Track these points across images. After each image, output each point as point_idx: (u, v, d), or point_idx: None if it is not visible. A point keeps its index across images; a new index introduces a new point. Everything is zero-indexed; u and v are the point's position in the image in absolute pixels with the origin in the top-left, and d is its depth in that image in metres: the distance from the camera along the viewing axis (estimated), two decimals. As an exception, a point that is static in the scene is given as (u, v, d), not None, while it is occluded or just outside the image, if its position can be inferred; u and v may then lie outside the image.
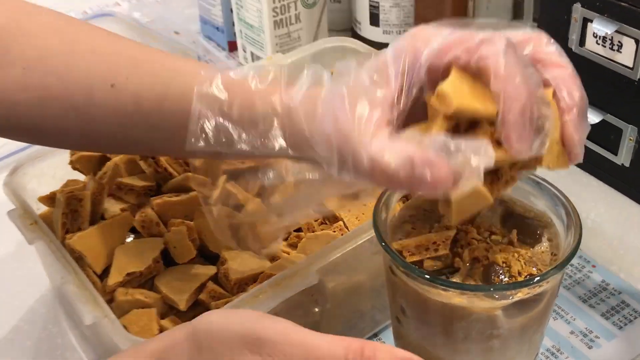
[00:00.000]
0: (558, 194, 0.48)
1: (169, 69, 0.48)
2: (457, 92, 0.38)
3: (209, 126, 0.46)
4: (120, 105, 0.48)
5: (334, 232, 0.61)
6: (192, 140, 0.46)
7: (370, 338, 0.64)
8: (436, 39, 0.40)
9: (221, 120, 0.45)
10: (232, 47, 1.05)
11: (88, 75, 0.48)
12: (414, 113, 0.41)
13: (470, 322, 0.44)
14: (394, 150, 0.38)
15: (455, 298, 0.43)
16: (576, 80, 0.41)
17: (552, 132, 0.39)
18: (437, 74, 0.40)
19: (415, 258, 0.46)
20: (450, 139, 0.37)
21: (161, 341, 0.36)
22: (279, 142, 0.45)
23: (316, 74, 0.44)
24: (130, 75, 0.48)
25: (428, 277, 0.43)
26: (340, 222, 0.62)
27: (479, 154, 0.37)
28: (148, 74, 0.48)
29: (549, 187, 0.48)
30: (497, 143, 0.38)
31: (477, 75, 0.39)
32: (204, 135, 0.46)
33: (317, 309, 0.58)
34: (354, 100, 0.40)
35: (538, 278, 0.42)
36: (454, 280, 0.45)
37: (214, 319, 0.35)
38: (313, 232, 0.62)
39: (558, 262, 0.44)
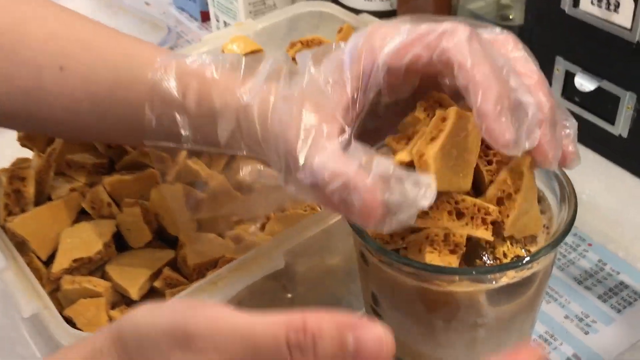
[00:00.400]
0: None
1: (123, 54, 0.45)
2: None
3: (164, 119, 0.43)
4: (69, 90, 0.45)
5: (305, 211, 0.55)
6: (148, 132, 0.44)
7: (347, 326, 0.58)
8: (394, 38, 0.37)
9: (176, 113, 0.43)
10: (205, 17, 0.99)
11: (36, 56, 0.45)
12: (374, 116, 0.39)
13: (451, 310, 0.39)
14: (333, 169, 0.35)
15: (433, 283, 0.38)
16: (544, 88, 0.37)
17: (519, 204, 0.37)
18: (397, 76, 0.37)
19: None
20: (396, 167, 0.35)
21: (84, 348, 0.31)
22: (236, 141, 0.42)
23: (274, 67, 0.42)
24: (80, 59, 0.45)
25: (404, 260, 0.38)
26: (312, 200, 0.57)
27: (419, 188, 0.34)
28: (100, 59, 0.45)
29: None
30: (458, 214, 0.37)
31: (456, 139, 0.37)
32: (159, 129, 0.43)
33: (286, 296, 0.52)
34: (306, 108, 0.37)
35: (527, 259, 0.37)
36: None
37: (139, 318, 0.30)
38: (282, 211, 0.56)
39: (551, 239, 0.39)
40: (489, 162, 0.39)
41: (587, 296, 0.60)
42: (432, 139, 0.36)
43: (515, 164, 0.38)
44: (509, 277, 0.38)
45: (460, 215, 0.38)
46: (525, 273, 0.38)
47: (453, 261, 0.37)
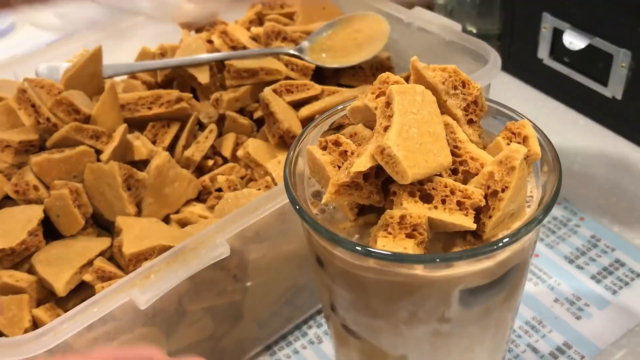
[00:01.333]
0: (516, 116, 0.37)
1: None
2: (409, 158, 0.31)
3: None
4: None
5: (259, 190, 0.49)
6: None
7: (313, 316, 0.53)
8: None
9: None
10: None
11: None
12: None
13: (414, 301, 0.33)
14: None
15: (396, 272, 0.32)
16: None
17: (505, 205, 0.31)
18: None
19: (342, 225, 0.34)
20: None
21: None
22: None
23: None
24: None
25: (359, 249, 0.31)
26: (268, 178, 0.50)
27: None
28: None
29: (512, 114, 0.37)
30: (424, 197, 0.32)
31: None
32: None
33: (237, 287, 0.46)
34: None
35: (506, 239, 0.31)
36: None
37: None
38: (235, 189, 0.50)
39: (532, 215, 0.33)
40: (454, 172, 0.33)
41: (578, 276, 0.54)
42: (386, 128, 0.31)
43: (506, 156, 0.32)
44: (482, 264, 0.32)
45: (427, 198, 0.32)
46: (502, 255, 0.32)
47: (409, 246, 0.30)
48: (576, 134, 0.66)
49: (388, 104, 0.32)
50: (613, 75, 0.62)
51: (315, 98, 0.56)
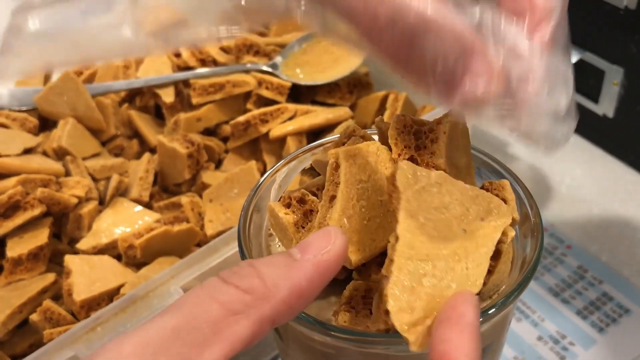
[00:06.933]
0: (501, 170, 0.33)
1: None
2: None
3: None
4: None
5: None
6: None
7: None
8: None
9: None
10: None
11: None
12: None
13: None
14: None
15: (358, 351, 0.29)
16: None
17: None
18: None
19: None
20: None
21: None
22: None
23: None
24: None
25: (317, 326, 0.28)
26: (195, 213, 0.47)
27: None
28: None
29: (497, 166, 0.33)
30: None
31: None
32: None
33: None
34: None
35: (481, 318, 0.27)
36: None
37: None
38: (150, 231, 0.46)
39: (510, 286, 0.30)
40: None
41: (564, 312, 0.51)
42: (332, 198, 0.28)
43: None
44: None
45: None
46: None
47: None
48: (564, 152, 0.63)
49: (337, 167, 0.29)
50: (604, 92, 0.59)
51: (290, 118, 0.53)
